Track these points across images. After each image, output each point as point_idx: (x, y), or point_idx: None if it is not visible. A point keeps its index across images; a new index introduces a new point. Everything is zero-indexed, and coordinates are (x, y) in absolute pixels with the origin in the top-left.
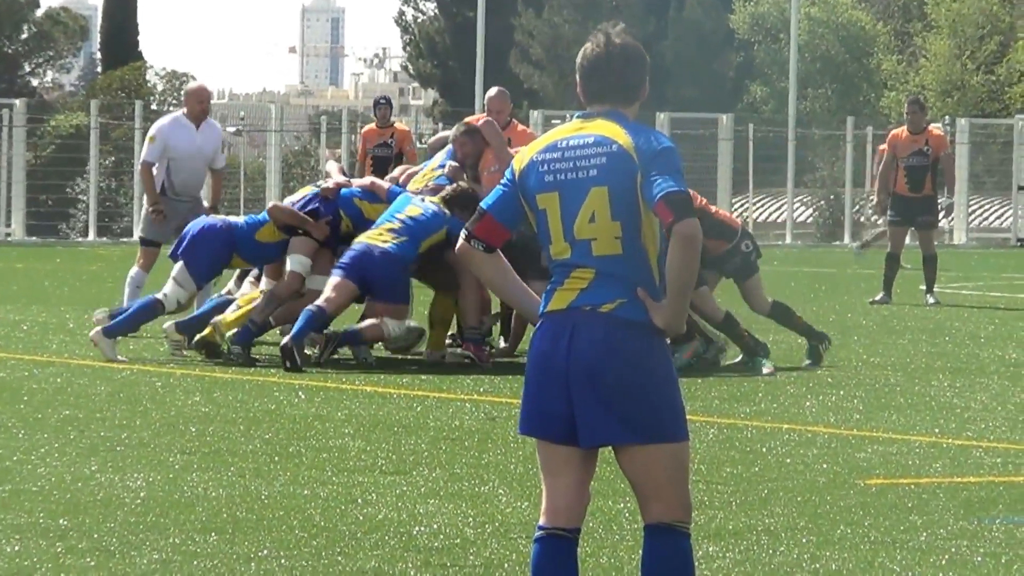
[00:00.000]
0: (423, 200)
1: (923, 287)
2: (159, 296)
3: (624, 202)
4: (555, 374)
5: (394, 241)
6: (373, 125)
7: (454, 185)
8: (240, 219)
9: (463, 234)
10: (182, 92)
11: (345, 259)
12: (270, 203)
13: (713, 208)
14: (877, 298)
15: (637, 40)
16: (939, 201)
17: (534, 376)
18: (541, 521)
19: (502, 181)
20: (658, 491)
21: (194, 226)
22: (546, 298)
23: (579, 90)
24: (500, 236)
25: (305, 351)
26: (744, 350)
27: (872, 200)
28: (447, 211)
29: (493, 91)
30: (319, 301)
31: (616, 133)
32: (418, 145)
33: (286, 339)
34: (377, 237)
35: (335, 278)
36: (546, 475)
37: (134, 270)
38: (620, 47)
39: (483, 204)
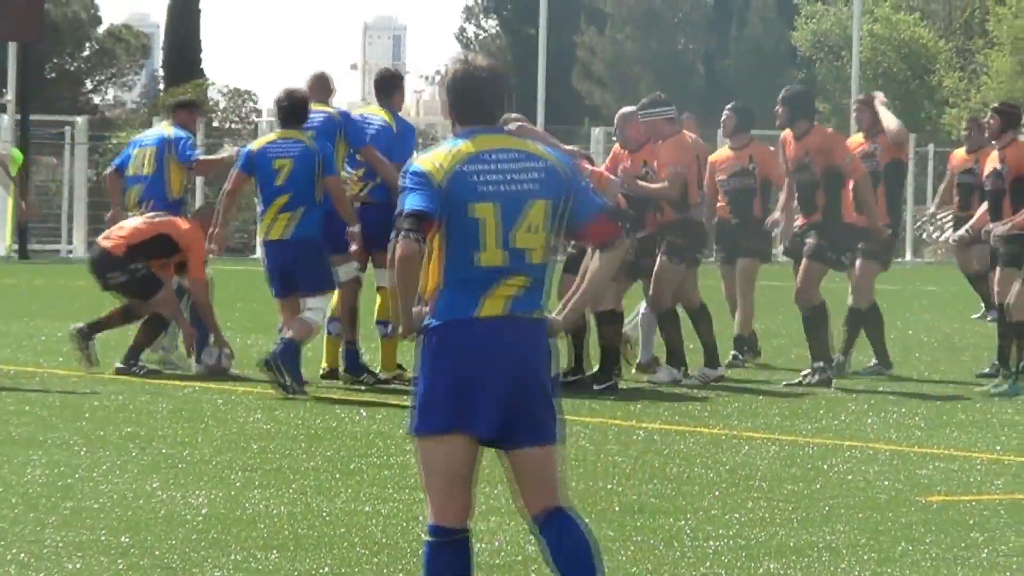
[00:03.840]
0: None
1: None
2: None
3: (556, 215)
4: (491, 376)
5: (293, 223)
6: None
7: None
8: None
9: (409, 236)
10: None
11: (272, 279)
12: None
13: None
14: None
15: (696, 56)
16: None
17: (463, 377)
18: (448, 523)
19: (415, 182)
20: (550, 484)
21: None
22: (468, 302)
23: (457, 110)
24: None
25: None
26: (670, 349)
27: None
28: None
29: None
30: (285, 333)
31: (538, 151)
32: None
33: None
34: (275, 229)
35: (278, 301)
36: (444, 475)
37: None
38: (500, 69)
39: (421, 207)
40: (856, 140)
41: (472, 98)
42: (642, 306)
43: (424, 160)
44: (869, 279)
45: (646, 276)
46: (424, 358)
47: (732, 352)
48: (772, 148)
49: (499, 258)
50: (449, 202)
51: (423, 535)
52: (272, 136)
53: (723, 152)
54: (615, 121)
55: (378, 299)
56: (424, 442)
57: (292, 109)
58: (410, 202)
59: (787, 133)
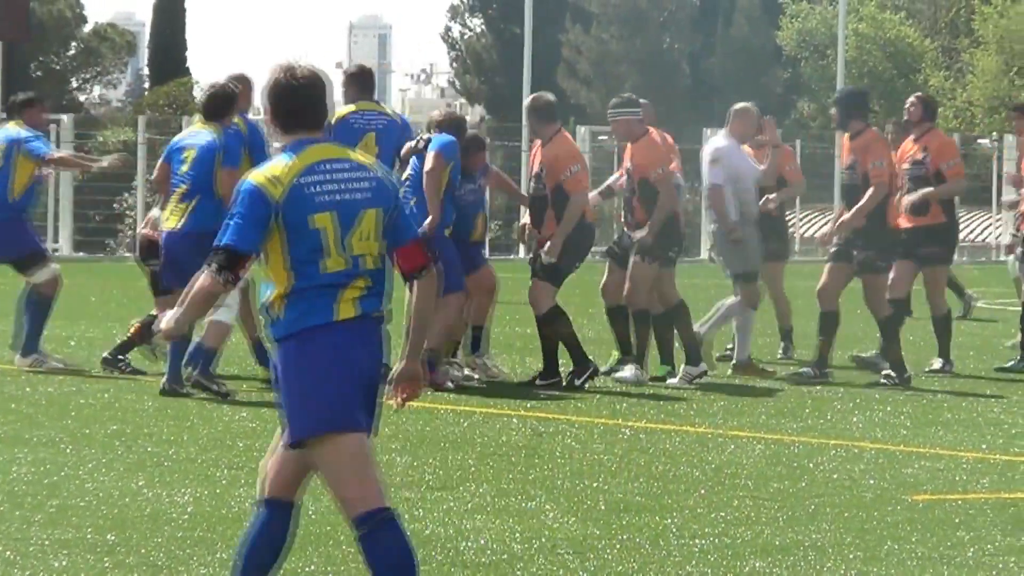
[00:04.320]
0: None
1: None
2: None
3: (384, 224)
4: (357, 374)
5: (183, 215)
6: None
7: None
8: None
9: (220, 274)
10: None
11: (164, 271)
12: None
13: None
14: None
15: (682, 56)
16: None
17: (336, 377)
18: (286, 495)
19: (246, 205)
20: (370, 477)
21: None
22: (323, 308)
23: (280, 118)
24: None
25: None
26: (637, 349)
27: None
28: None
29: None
30: (196, 339)
31: (368, 162)
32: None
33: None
34: (172, 218)
35: (157, 299)
36: (358, 465)
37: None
38: (321, 77)
39: (238, 246)
40: (908, 146)
41: (294, 106)
42: (720, 306)
43: (259, 175)
44: (941, 283)
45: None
46: (288, 366)
47: (781, 343)
48: (788, 147)
49: (341, 263)
50: (288, 216)
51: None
52: (192, 127)
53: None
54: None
55: None
56: (321, 441)
57: (212, 103)
58: (231, 234)
59: (846, 137)
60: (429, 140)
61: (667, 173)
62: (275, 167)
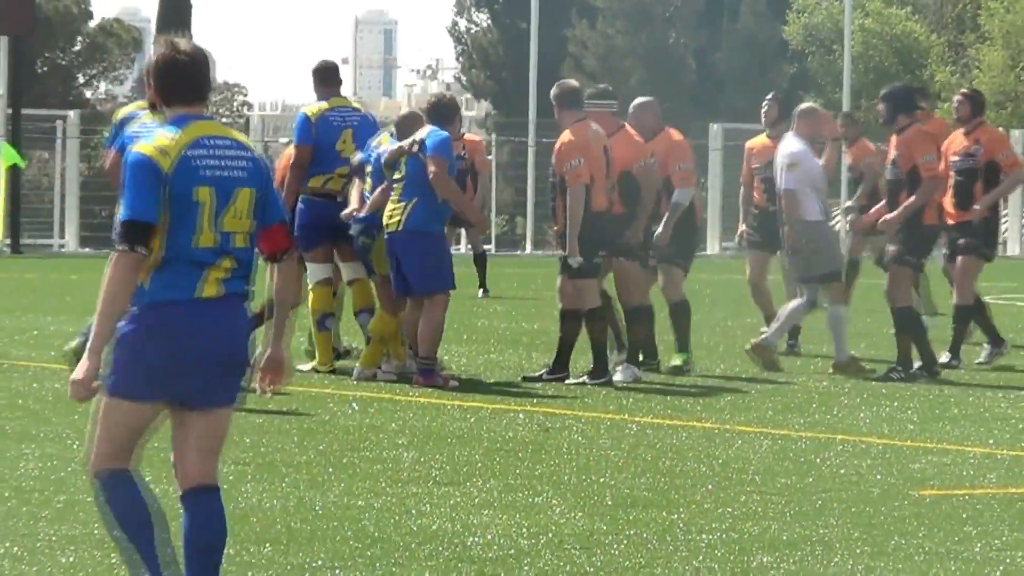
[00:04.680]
0: None
1: None
2: None
3: (256, 204)
4: (205, 352)
5: None
6: None
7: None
8: None
9: (126, 248)
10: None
11: None
12: None
13: None
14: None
15: (688, 51)
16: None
17: (179, 354)
18: (120, 466)
19: (139, 177)
20: (213, 451)
21: None
22: (187, 283)
23: (164, 93)
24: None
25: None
26: (629, 345)
27: None
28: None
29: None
30: None
31: (245, 140)
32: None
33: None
34: None
35: None
36: (130, 432)
37: None
38: (202, 53)
39: (142, 218)
40: (958, 139)
41: (175, 80)
42: (788, 307)
43: (147, 147)
44: (971, 275)
45: (665, 262)
46: (135, 330)
47: (788, 341)
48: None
49: (211, 240)
50: (175, 188)
51: (95, 481)
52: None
53: (761, 140)
54: (630, 109)
55: (351, 292)
56: (118, 402)
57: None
58: (129, 208)
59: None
60: (423, 142)
61: (648, 166)
62: (161, 139)
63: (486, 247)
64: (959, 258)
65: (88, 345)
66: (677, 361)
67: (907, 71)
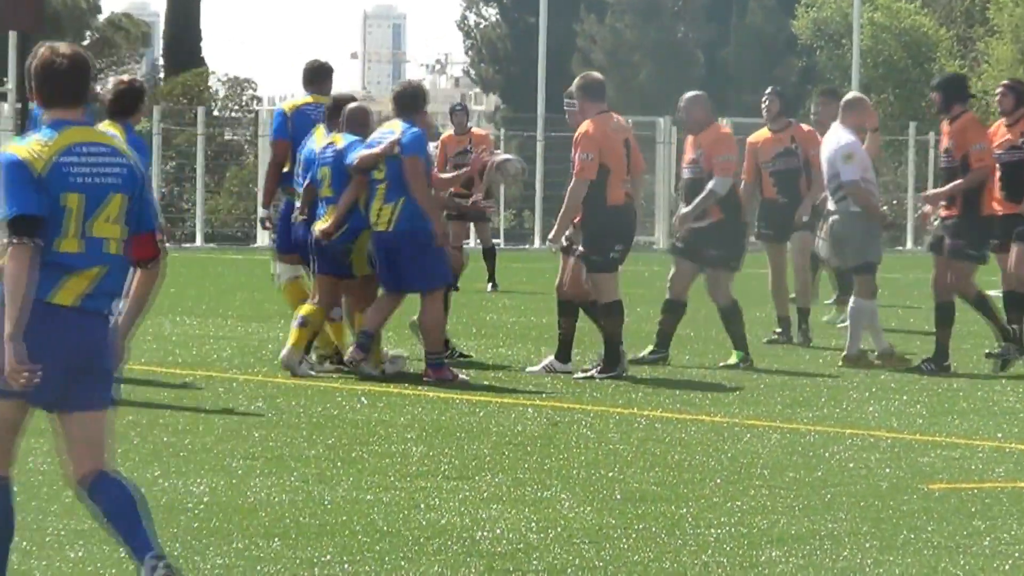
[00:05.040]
0: None
1: None
2: None
3: (128, 211)
4: (55, 358)
5: None
6: (451, 132)
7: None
8: None
9: (28, 243)
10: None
11: None
12: None
13: None
14: None
15: (696, 45)
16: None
17: (40, 356)
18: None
19: (16, 177)
20: (99, 447)
21: None
22: (43, 286)
23: (42, 96)
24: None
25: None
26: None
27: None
28: None
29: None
30: None
31: (121, 147)
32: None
33: None
34: None
35: None
36: (6, 431)
37: None
38: (82, 56)
39: (30, 211)
40: (1001, 131)
41: (53, 84)
42: (847, 317)
43: (20, 149)
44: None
45: (711, 266)
46: None
47: (799, 327)
48: (810, 128)
49: (76, 245)
50: (46, 191)
51: None
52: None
53: (763, 134)
54: (680, 103)
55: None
56: None
57: (120, 100)
58: (10, 205)
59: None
60: (399, 143)
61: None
62: (36, 142)
63: (495, 241)
64: (1014, 247)
65: (7, 334)
66: (733, 360)
67: (916, 65)
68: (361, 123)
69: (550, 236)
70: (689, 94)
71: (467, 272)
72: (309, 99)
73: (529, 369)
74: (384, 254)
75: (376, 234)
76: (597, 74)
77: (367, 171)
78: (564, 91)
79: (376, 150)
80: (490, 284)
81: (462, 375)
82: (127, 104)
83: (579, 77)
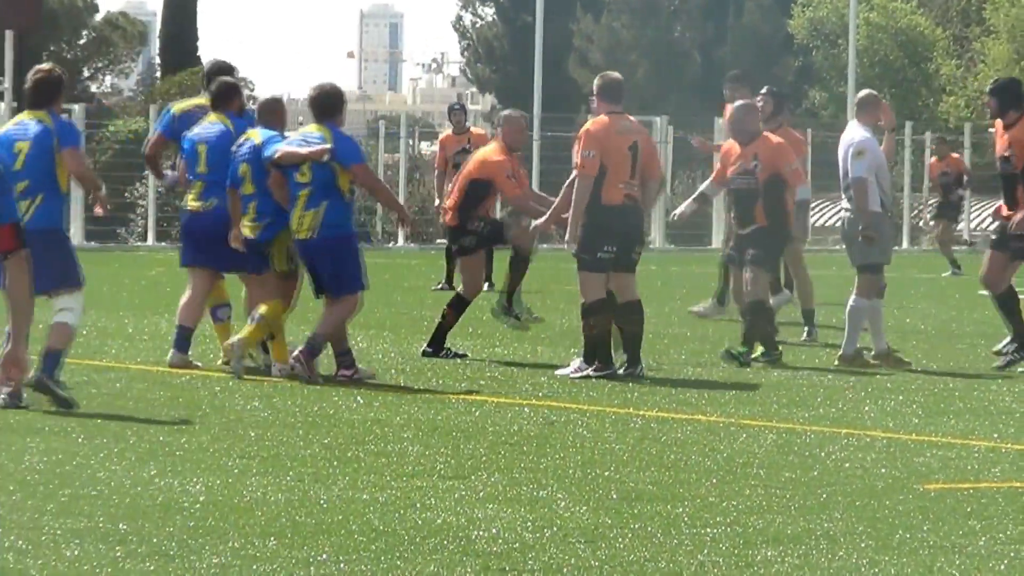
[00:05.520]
0: None
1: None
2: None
3: None
4: None
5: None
6: (450, 132)
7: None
8: None
9: None
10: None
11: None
12: None
13: None
14: None
15: (694, 45)
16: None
17: None
18: None
19: None
20: None
21: None
22: None
23: None
24: None
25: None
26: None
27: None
28: None
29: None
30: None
31: None
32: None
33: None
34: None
35: None
36: None
37: None
38: None
39: None
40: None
41: None
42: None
43: None
44: None
45: (752, 263)
46: None
47: (805, 327)
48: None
49: None
50: None
51: None
52: (18, 117)
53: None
54: (732, 114)
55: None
56: None
57: (39, 89)
58: None
59: (998, 123)
60: (333, 151)
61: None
62: None
63: None
64: None
65: None
66: (740, 348)
67: (912, 64)
68: (275, 114)
69: (566, 237)
70: (740, 103)
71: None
72: (201, 100)
73: (560, 372)
74: (310, 261)
75: (299, 242)
76: (615, 74)
77: (285, 168)
78: (562, 91)
79: (303, 151)
80: (487, 283)
81: (358, 372)
82: (48, 93)
83: (599, 76)
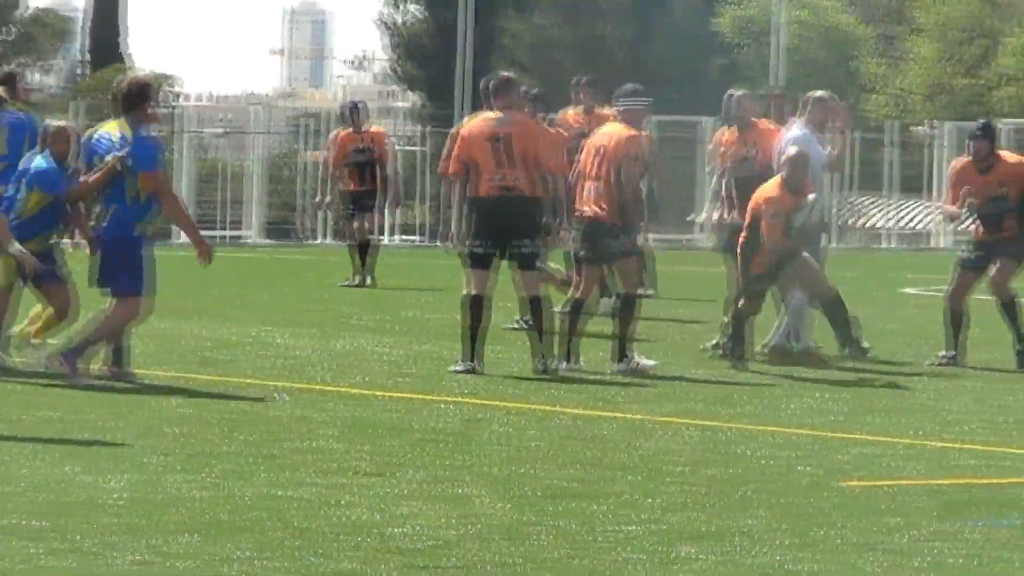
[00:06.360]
0: None
1: None
2: None
3: None
4: None
5: None
6: (348, 130)
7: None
8: None
9: None
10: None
11: None
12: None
13: None
14: None
15: (621, 43)
16: None
17: None
18: None
19: None
20: None
21: None
22: None
23: None
24: None
25: None
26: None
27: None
28: None
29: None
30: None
31: None
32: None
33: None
34: None
35: None
36: None
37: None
38: None
39: None
40: None
41: None
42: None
43: None
44: None
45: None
46: None
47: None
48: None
49: None
50: None
51: None
52: None
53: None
54: (729, 101)
55: None
56: None
57: None
58: None
59: (968, 164)
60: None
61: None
62: None
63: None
64: None
65: None
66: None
67: (839, 63)
68: (65, 143)
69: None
70: (737, 90)
71: (387, 269)
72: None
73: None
74: (100, 250)
75: (92, 229)
76: (503, 73)
77: (84, 200)
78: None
79: (95, 178)
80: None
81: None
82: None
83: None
